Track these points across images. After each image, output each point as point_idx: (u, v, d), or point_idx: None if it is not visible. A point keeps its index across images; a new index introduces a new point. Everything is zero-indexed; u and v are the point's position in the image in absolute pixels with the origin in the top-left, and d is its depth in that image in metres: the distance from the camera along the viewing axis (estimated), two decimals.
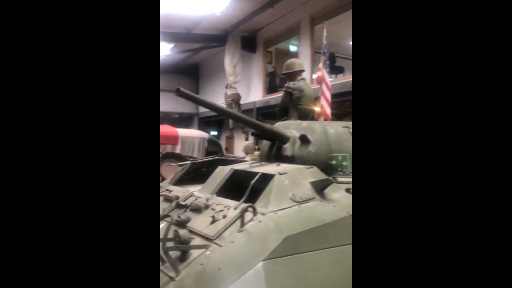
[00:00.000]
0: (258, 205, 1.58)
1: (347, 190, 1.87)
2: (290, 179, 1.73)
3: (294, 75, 3.12)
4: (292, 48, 9.01)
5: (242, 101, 8.83)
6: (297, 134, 2.24)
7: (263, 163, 2.12)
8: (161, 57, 10.25)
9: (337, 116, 7.44)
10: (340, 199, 1.75)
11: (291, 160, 2.19)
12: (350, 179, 2.19)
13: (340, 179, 2.10)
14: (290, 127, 2.34)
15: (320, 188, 1.75)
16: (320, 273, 1.32)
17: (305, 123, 2.32)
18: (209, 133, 8.30)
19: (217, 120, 11.67)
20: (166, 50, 9.44)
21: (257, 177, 1.75)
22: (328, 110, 3.75)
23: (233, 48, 8.60)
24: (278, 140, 2.22)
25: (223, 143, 10.61)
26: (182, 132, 7.14)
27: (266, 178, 1.75)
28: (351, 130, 2.29)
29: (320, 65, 3.87)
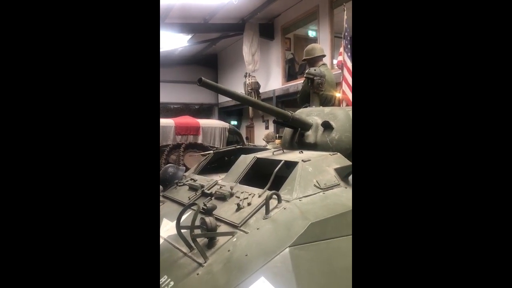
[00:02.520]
0: (283, 192, 1.58)
1: None
2: (314, 166, 1.72)
3: (315, 60, 3.06)
4: (311, 33, 8.82)
5: (261, 90, 8.79)
6: (320, 121, 2.20)
7: (285, 151, 2.11)
8: (179, 49, 10.34)
9: None
10: None
11: (313, 147, 2.17)
12: None
13: None
14: (312, 114, 2.31)
15: (344, 174, 1.73)
16: (346, 259, 1.31)
17: (327, 109, 2.28)
18: (229, 123, 8.35)
19: (237, 109, 11.70)
20: (184, 42, 9.46)
21: (280, 164, 1.75)
22: (351, 95, 3.67)
23: (251, 36, 8.52)
24: (300, 127, 2.20)
25: (243, 132, 10.67)
26: (203, 122, 7.20)
27: (290, 166, 1.75)
28: None
29: (341, 50, 3.78)
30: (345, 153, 2.08)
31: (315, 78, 2.55)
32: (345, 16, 3.82)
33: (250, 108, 8.81)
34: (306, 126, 2.18)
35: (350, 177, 1.74)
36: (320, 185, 1.63)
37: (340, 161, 1.84)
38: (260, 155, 2.06)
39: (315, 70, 2.60)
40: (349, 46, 3.73)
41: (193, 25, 8.28)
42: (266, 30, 8.80)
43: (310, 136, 2.19)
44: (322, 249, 1.29)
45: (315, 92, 2.59)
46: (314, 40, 7.66)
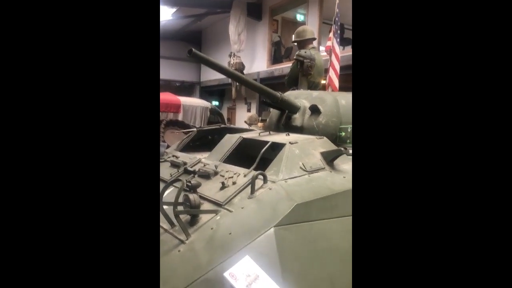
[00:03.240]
0: (269, 173, 1.56)
1: None
2: (301, 149, 1.71)
3: (305, 43, 3.01)
4: (299, 17, 8.70)
5: (245, 71, 8.64)
6: (307, 104, 2.19)
7: (271, 132, 2.08)
8: (162, 22, 9.89)
9: (345, 89, 7.35)
10: (350, 170, 1.74)
11: (300, 130, 2.15)
12: None
13: (350, 151, 2.08)
14: (300, 97, 2.29)
15: (330, 158, 1.73)
16: (329, 241, 1.32)
17: (316, 93, 2.27)
18: (210, 103, 8.21)
19: (219, 90, 11.50)
20: (168, 15, 9.08)
21: (267, 145, 1.73)
22: (336, 82, 3.67)
23: (238, 15, 8.30)
24: (288, 109, 2.17)
25: (224, 114, 10.53)
26: (185, 100, 7.06)
27: (276, 147, 1.73)
28: None
29: (331, 35, 3.74)
30: (331, 138, 2.09)
31: (305, 60, 2.52)
32: (337, 0, 3.76)
33: (233, 89, 8.69)
34: (294, 108, 2.16)
35: (335, 162, 1.75)
36: (306, 168, 1.62)
37: (326, 145, 1.84)
38: (246, 135, 2.02)
39: (305, 52, 2.56)
40: (338, 32, 3.69)
41: None
42: (254, 10, 8.60)
43: (297, 119, 2.17)
44: (306, 231, 1.29)
45: (304, 75, 2.56)
46: (303, 24, 7.56)
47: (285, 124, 2.22)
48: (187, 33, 11.43)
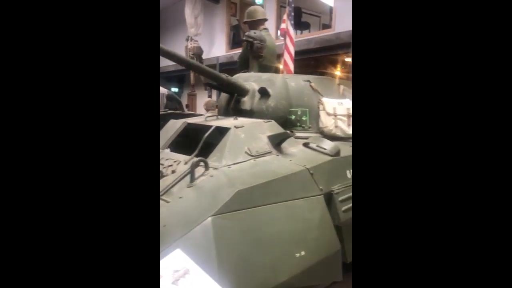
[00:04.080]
0: (211, 159, 1.48)
1: (304, 145, 1.82)
2: (247, 133, 1.64)
3: (256, 24, 2.89)
4: (258, 0, 8.52)
5: (204, 56, 8.36)
6: (257, 87, 2.11)
7: (220, 117, 1.99)
8: None
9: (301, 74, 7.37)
10: (297, 154, 1.70)
11: (249, 114, 2.08)
12: (308, 135, 2.15)
13: (298, 134, 2.05)
14: (250, 79, 2.21)
15: (277, 142, 1.68)
16: (272, 227, 1.28)
17: (265, 76, 2.19)
18: (169, 89, 7.87)
19: (178, 75, 11.08)
20: None
21: (210, 130, 1.63)
22: (291, 66, 3.62)
23: None
24: (237, 92, 2.08)
25: (184, 100, 10.20)
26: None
27: (221, 132, 1.64)
28: (312, 84, 2.21)
29: (285, 17, 3.67)
30: (280, 121, 2.04)
31: (254, 41, 2.42)
32: None
33: (192, 75, 8.40)
34: (242, 91, 2.08)
35: (283, 145, 1.70)
36: (252, 152, 1.56)
37: (274, 128, 1.79)
38: (191, 120, 1.91)
39: (255, 33, 2.46)
40: (292, 14, 3.61)
41: None
42: None
43: (246, 102, 2.09)
44: (247, 217, 1.23)
45: (254, 57, 2.47)
46: (262, 7, 7.41)
47: (234, 108, 2.13)
48: None
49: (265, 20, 3.02)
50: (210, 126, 1.69)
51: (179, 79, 11.53)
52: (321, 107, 2.14)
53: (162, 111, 2.48)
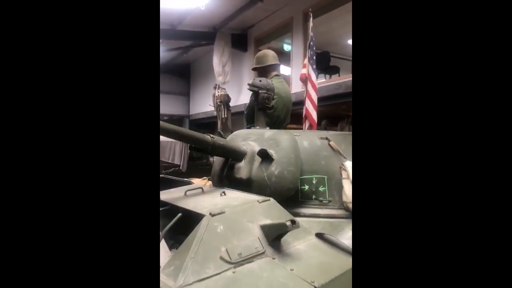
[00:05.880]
0: (165, 271, 0.97)
1: (318, 236, 1.26)
2: (228, 223, 1.13)
3: (266, 70, 2.49)
4: (286, 47, 8.44)
5: (232, 103, 8.25)
6: (258, 148, 1.63)
7: (206, 189, 1.51)
8: None
9: (332, 119, 6.84)
10: (304, 255, 1.14)
11: (246, 185, 1.58)
12: (328, 211, 1.59)
13: (313, 211, 1.50)
14: (250, 138, 1.74)
15: (275, 235, 1.15)
16: None
17: (269, 133, 1.71)
18: None
19: (209, 122, 11.16)
20: None
21: (174, 220, 1.15)
22: (314, 115, 3.14)
23: (222, 46, 8.04)
24: (230, 156, 1.61)
25: None
26: (162, 137, 6.57)
27: (192, 220, 1.15)
28: (332, 142, 1.68)
29: (305, 61, 3.27)
30: (287, 194, 1.51)
31: (260, 91, 2.00)
32: (311, 23, 3.33)
33: (218, 122, 8.26)
34: (236, 154, 1.60)
35: (284, 238, 1.16)
36: (232, 256, 1.04)
37: (273, 212, 1.26)
38: (165, 195, 1.45)
39: (260, 81, 2.04)
40: (314, 58, 3.21)
41: (160, 30, 7.77)
42: (239, 41, 8.37)
43: (242, 169, 1.61)
44: None
45: (260, 109, 2.03)
46: (290, 54, 7.26)
47: (228, 176, 1.65)
48: (176, 66, 11.31)
49: (277, 65, 2.61)
50: (178, 210, 1.20)
51: (209, 125, 11.60)
52: (344, 173, 1.59)
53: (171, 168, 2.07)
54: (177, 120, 12.15)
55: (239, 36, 8.34)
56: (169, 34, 8.15)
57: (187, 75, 11.98)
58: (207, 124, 11.43)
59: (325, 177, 1.62)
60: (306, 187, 1.61)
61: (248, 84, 2.05)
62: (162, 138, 5.60)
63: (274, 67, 2.53)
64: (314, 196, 1.61)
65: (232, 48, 8.25)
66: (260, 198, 1.31)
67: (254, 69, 2.61)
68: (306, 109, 3.15)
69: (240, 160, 1.61)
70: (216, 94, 8.14)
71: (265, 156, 1.55)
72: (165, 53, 9.88)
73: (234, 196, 1.37)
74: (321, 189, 1.61)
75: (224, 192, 1.41)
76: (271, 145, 1.61)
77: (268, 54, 2.55)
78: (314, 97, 3.14)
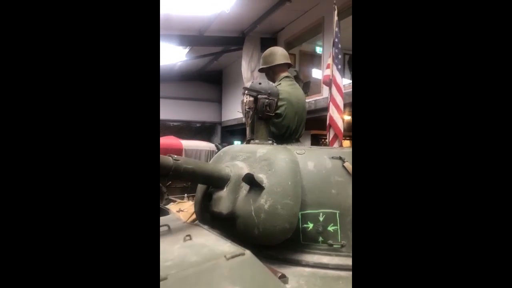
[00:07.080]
0: None
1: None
2: None
3: (274, 71, 2.08)
4: (319, 49, 7.96)
5: None
6: (246, 171, 1.23)
7: (182, 225, 1.15)
8: (178, 64, 9.86)
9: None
10: None
11: (227, 223, 1.19)
12: (342, 260, 1.15)
13: (320, 259, 1.07)
14: (239, 157, 1.35)
15: None
16: None
17: (262, 150, 1.30)
18: (231, 143, 7.50)
19: (241, 129, 10.97)
20: (182, 56, 8.89)
21: None
22: (340, 123, 2.67)
23: (251, 50, 7.76)
24: (206, 182, 1.24)
25: None
26: (187, 144, 6.41)
27: None
28: (347, 163, 1.24)
29: (329, 61, 2.82)
30: (281, 237, 1.11)
31: (259, 96, 1.61)
32: (335, 17, 2.87)
33: (247, 129, 7.96)
34: (214, 181, 1.22)
35: None
36: None
37: (245, 274, 0.86)
38: None
39: (260, 83, 1.65)
40: (339, 57, 2.74)
41: (188, 37, 7.68)
42: (269, 45, 8.03)
43: (223, 200, 1.21)
44: None
45: (260, 118, 1.64)
46: (321, 56, 6.78)
47: (206, 209, 1.27)
48: (207, 73, 11.30)
49: (288, 65, 2.19)
50: None
51: (241, 132, 11.43)
52: None
53: None
54: (209, 127, 12.12)
55: (269, 40, 8.01)
56: (196, 40, 8.05)
57: (219, 81, 11.91)
58: (239, 130, 11.25)
59: (337, 211, 1.18)
60: (310, 225, 1.18)
61: (244, 88, 1.68)
62: (187, 145, 5.38)
63: (283, 67, 2.12)
64: (321, 239, 1.17)
65: (261, 52, 7.95)
66: (231, 250, 0.91)
67: (261, 70, 2.22)
68: (331, 116, 2.69)
69: (222, 188, 1.23)
70: (245, 100, 7.87)
71: (251, 183, 1.15)
72: (194, 60, 9.85)
73: (200, 243, 0.98)
74: (331, 228, 1.17)
75: (189, 236, 1.03)
76: (262, 167, 1.21)
77: (276, 52, 2.14)
78: (340, 102, 2.67)
